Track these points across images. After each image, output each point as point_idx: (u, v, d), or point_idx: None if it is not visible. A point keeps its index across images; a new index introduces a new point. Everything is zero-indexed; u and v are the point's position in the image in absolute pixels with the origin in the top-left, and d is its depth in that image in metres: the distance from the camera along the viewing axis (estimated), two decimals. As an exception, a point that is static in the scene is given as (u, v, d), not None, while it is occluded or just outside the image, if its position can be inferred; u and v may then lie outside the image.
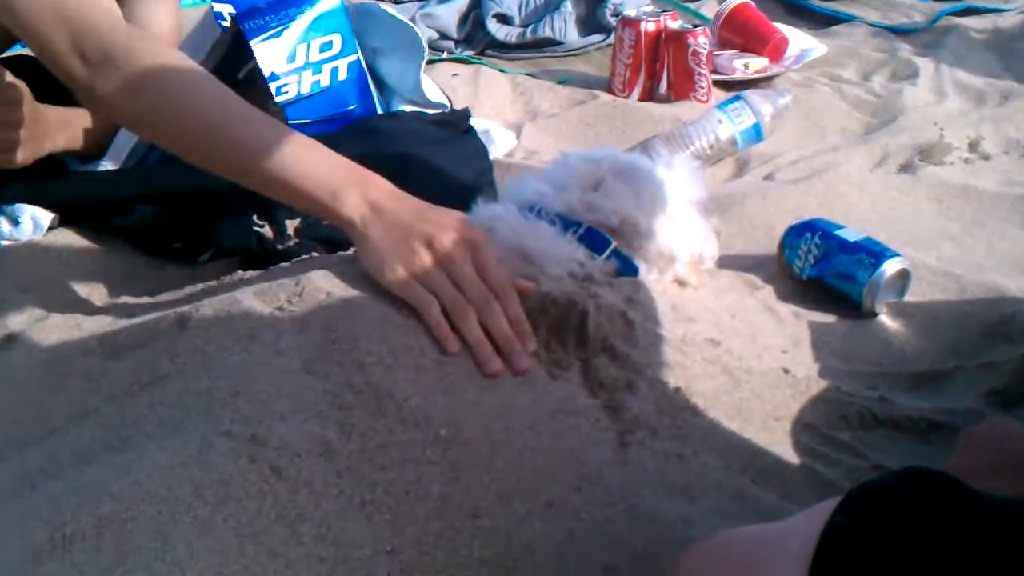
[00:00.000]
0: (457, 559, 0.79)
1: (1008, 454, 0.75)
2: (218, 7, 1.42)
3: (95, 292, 1.31)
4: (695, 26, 1.94)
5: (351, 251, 1.08)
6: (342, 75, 1.31)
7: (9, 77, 1.26)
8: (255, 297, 0.95)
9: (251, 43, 1.27)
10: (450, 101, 1.51)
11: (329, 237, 1.23)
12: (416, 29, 1.43)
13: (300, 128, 1.32)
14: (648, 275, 1.09)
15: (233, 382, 0.87)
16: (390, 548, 0.79)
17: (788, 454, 0.95)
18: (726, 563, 0.60)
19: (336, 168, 1.01)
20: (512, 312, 0.96)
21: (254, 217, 1.21)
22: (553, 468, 0.85)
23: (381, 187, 1.01)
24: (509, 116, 1.99)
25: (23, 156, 1.28)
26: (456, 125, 1.38)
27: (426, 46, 1.43)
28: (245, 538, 0.77)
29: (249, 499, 0.79)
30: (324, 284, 0.95)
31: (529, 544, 0.80)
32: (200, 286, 1.19)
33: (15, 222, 1.38)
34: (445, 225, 0.98)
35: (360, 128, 1.27)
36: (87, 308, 1.25)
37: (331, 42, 1.30)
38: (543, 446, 0.86)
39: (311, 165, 1.00)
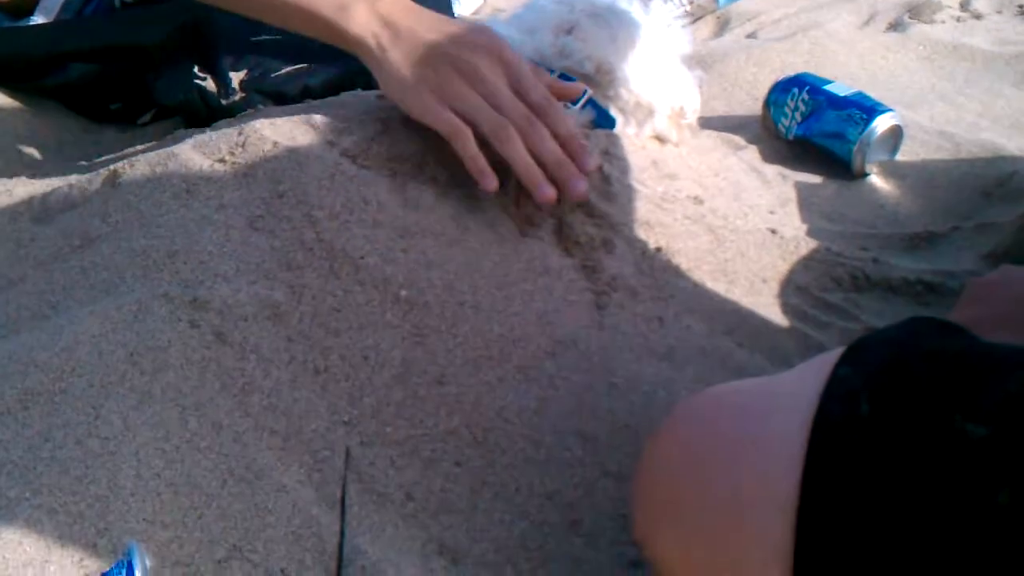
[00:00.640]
0: (422, 429, 0.72)
1: (1018, 301, 0.69)
2: None
3: (26, 158, 1.21)
4: None
5: (304, 104, 0.99)
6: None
7: None
8: (193, 150, 0.86)
9: None
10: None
11: (278, 91, 1.13)
12: None
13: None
14: (625, 128, 1.00)
15: (171, 241, 0.79)
16: (347, 419, 0.72)
17: (776, 316, 0.89)
18: (721, 415, 0.54)
19: None
20: (562, 129, 0.85)
21: (195, 69, 1.11)
22: (524, 332, 0.78)
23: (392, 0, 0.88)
24: (475, -27, 1.87)
25: None
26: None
27: None
28: (187, 410, 0.70)
29: (190, 367, 0.72)
30: (269, 133, 0.86)
31: (500, 412, 0.74)
32: (139, 147, 1.09)
33: (-62, 82, 1.26)
34: (473, 41, 0.86)
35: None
36: (16, 174, 1.15)
37: None
38: (513, 308, 0.79)
39: None
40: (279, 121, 0.89)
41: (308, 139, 0.86)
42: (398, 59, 0.86)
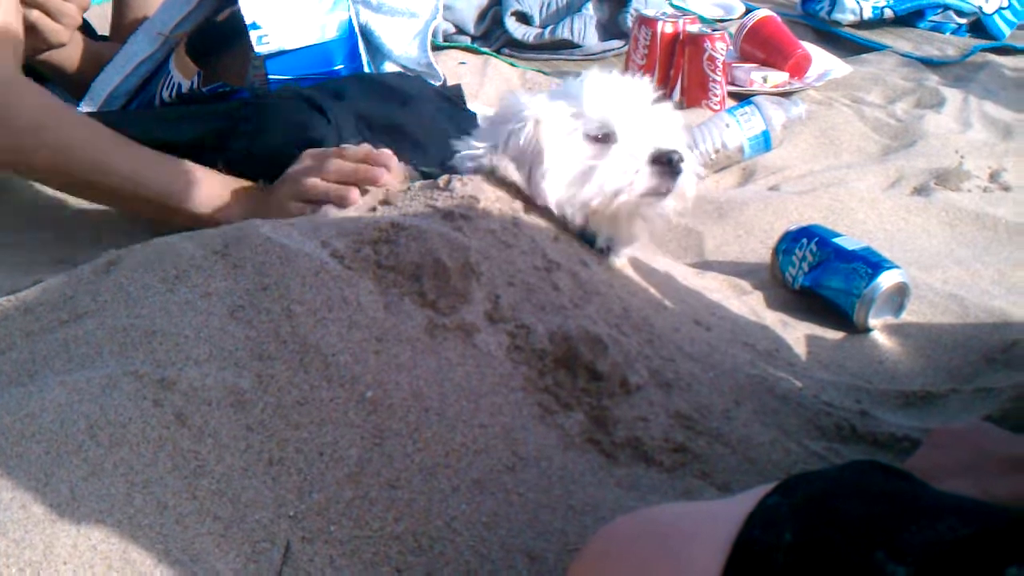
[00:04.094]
0: (367, 531, 0.71)
1: (981, 452, 0.68)
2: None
3: (54, 243, 1.25)
4: (714, 30, 1.87)
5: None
6: (330, 32, 1.24)
7: None
8: (190, 240, 0.89)
9: (235, -12, 1.20)
10: (444, 80, 1.44)
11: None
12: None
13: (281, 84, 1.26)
14: None
15: (151, 322, 0.80)
16: (293, 513, 0.71)
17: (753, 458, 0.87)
18: (641, 538, 0.53)
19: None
20: (349, 155, 1.05)
21: (219, 166, 1.15)
22: (487, 444, 0.77)
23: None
24: (514, 108, 1.92)
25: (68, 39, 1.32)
26: (455, 103, 1.32)
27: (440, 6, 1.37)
28: (135, 486, 0.70)
29: (146, 444, 0.72)
30: (266, 230, 0.88)
31: (450, 523, 0.73)
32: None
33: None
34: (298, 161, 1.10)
35: (370, 80, 1.23)
36: (40, 257, 1.19)
37: (323, -6, 1.23)
38: (479, 419, 0.79)
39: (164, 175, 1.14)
40: (280, 220, 0.91)
41: (302, 238, 0.88)
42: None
